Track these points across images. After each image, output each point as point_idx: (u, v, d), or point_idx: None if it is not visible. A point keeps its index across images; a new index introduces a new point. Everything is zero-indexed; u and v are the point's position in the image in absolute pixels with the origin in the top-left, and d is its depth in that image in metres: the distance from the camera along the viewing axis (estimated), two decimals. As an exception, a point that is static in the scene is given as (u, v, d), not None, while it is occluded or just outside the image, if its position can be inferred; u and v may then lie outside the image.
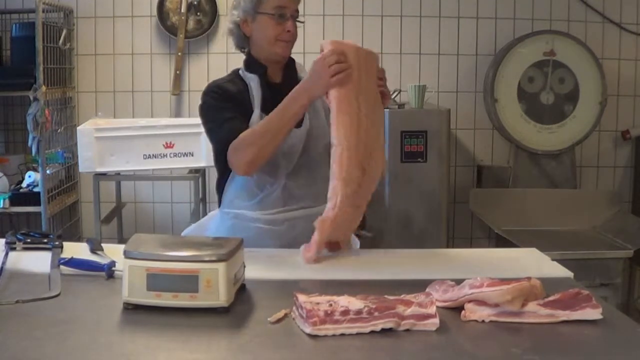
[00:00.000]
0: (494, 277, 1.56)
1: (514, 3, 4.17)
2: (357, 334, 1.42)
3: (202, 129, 2.24)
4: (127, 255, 1.55)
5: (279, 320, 1.49)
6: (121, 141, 3.47)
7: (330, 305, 1.45)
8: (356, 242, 2.30)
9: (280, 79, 2.22)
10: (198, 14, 4.10)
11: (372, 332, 1.42)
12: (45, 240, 1.99)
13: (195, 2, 4.09)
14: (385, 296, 1.52)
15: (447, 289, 1.60)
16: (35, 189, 3.74)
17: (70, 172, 4.10)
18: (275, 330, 1.46)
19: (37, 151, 3.64)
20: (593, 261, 3.39)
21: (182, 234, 2.39)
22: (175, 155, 3.50)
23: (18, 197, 3.76)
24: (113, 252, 1.89)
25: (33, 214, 3.84)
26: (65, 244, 1.98)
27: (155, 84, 4.16)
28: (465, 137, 4.27)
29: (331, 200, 1.92)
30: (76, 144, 3.60)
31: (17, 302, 1.56)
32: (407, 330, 1.44)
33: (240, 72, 2.22)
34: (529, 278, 1.55)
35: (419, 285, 1.64)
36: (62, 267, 1.79)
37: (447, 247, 3.70)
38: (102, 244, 2.00)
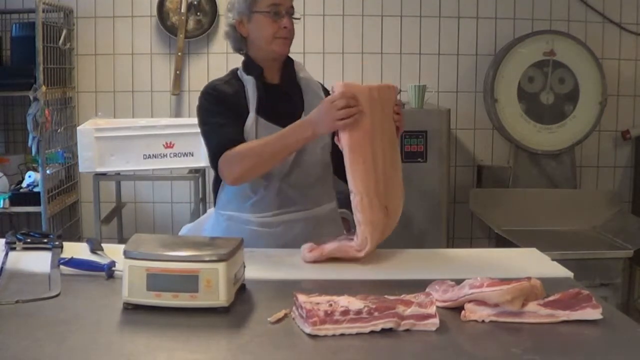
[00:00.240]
0: (494, 277, 1.56)
1: (514, 3, 4.17)
2: (357, 334, 1.42)
3: (201, 129, 2.24)
4: (127, 255, 1.55)
5: (279, 320, 1.49)
6: (121, 141, 3.47)
7: (330, 305, 1.45)
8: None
9: (278, 80, 2.21)
10: (198, 14, 4.10)
11: (372, 332, 1.42)
12: (45, 240, 1.99)
13: (195, 2, 4.09)
14: (385, 296, 1.52)
15: (447, 289, 1.60)
16: (35, 189, 3.75)
17: (70, 172, 4.10)
18: (275, 330, 1.46)
19: (37, 151, 3.64)
20: (593, 261, 3.38)
21: (180, 233, 2.39)
22: (175, 155, 3.50)
23: (18, 197, 3.76)
24: (113, 252, 1.89)
25: (33, 214, 3.84)
26: (65, 244, 1.98)
27: (155, 84, 4.16)
28: (465, 137, 4.27)
29: (361, 245, 1.91)
30: (76, 144, 3.60)
31: (17, 302, 1.56)
32: (407, 330, 1.44)
33: (238, 72, 2.21)
34: (529, 278, 1.55)
35: (419, 285, 1.64)
36: (62, 267, 1.79)
37: (447, 247, 3.70)
38: (102, 244, 2.00)
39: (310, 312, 1.43)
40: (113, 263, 1.78)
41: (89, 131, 3.47)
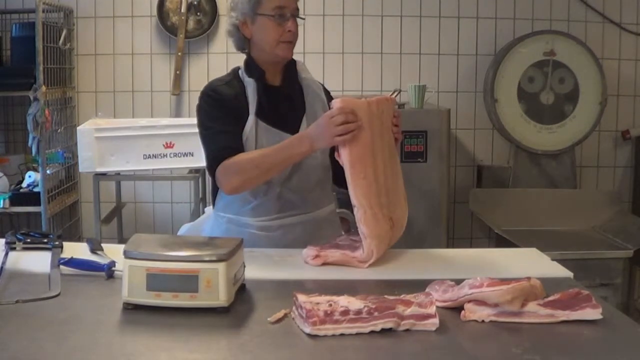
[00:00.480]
0: (494, 277, 1.56)
1: (514, 3, 4.17)
2: (357, 334, 1.42)
3: (201, 130, 2.23)
4: (127, 255, 1.55)
5: (278, 320, 1.49)
6: (121, 141, 3.47)
7: (330, 305, 1.45)
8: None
9: (279, 82, 2.18)
10: (198, 14, 4.10)
11: (372, 332, 1.42)
12: (45, 240, 1.99)
13: (195, 2, 4.09)
14: (385, 296, 1.52)
15: (447, 289, 1.60)
16: (35, 189, 3.74)
17: (70, 172, 4.10)
18: (275, 330, 1.46)
19: (37, 151, 3.64)
20: (593, 261, 3.38)
21: (179, 232, 2.38)
22: (175, 155, 3.50)
23: (18, 197, 3.76)
24: (113, 252, 1.89)
25: (33, 214, 3.84)
26: (65, 244, 1.98)
27: (155, 84, 4.16)
28: (465, 137, 4.27)
29: (366, 258, 1.91)
30: (76, 144, 3.60)
31: (17, 302, 1.56)
32: (407, 330, 1.44)
33: (240, 72, 2.18)
34: (529, 278, 1.55)
35: (419, 285, 1.64)
36: (62, 267, 1.79)
37: (447, 247, 3.69)
38: (102, 244, 2.00)
39: (310, 312, 1.43)
40: (113, 263, 1.78)
41: (89, 131, 3.46)
